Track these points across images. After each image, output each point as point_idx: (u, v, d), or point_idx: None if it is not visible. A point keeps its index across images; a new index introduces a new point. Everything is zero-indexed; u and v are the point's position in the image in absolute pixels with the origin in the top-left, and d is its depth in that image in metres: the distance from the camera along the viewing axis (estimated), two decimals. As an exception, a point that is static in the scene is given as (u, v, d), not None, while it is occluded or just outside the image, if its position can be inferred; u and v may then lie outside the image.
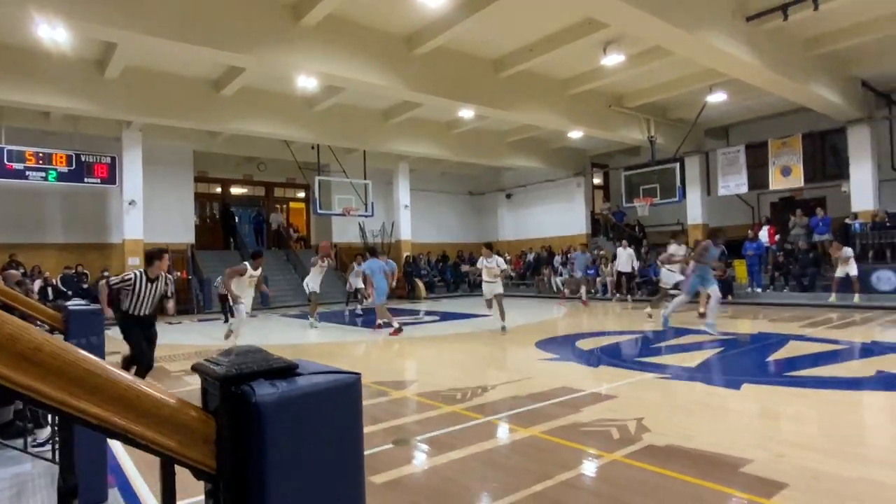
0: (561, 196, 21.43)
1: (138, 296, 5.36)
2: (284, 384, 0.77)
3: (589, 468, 3.34)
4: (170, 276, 5.79)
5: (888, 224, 13.00)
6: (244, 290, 8.17)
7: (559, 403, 4.79)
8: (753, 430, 4.02)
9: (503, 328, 9.50)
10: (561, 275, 18.07)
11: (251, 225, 20.87)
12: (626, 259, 15.49)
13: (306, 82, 10.89)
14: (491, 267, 9.47)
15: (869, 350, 6.79)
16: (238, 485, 0.74)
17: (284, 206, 22.10)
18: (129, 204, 14.49)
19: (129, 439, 0.70)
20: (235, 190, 20.92)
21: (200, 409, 0.77)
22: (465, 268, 13.39)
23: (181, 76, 12.07)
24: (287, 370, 0.80)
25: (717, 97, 13.41)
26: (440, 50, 10.61)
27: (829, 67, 12.00)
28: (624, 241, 16.00)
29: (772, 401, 4.88)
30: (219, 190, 20.35)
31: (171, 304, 6.21)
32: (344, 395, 0.82)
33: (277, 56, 9.09)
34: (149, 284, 5.40)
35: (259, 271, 8.43)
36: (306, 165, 17.74)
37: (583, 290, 15.21)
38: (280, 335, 10.51)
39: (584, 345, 8.09)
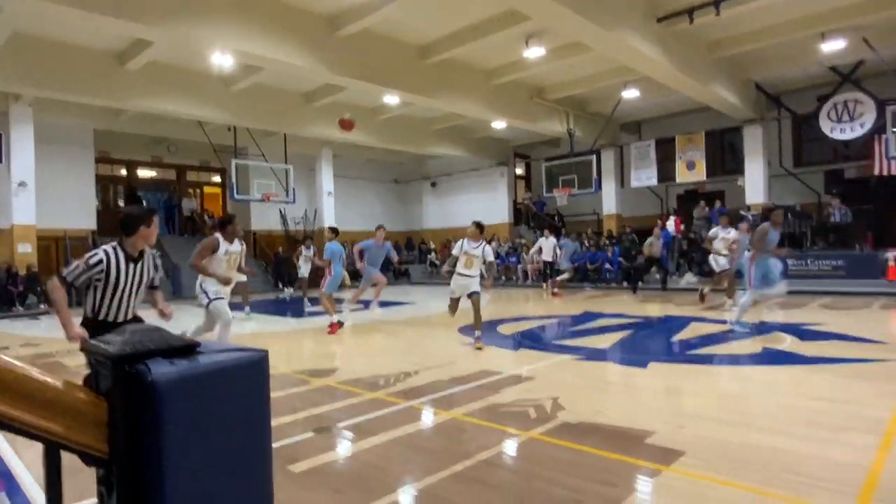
0: (485, 185, 21.81)
1: (115, 288, 3.29)
2: (185, 363, 0.73)
3: (508, 447, 3.45)
4: (155, 251, 3.89)
5: (776, 216, 14.30)
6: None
7: (480, 386, 4.91)
8: (658, 405, 4.33)
9: (478, 338, 6.85)
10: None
11: (162, 210, 19.61)
12: (549, 248, 16.01)
13: (222, 60, 10.30)
14: (475, 255, 6.81)
15: (758, 330, 7.46)
16: (133, 469, 0.70)
17: (198, 190, 20.96)
18: (19, 185, 13.21)
19: (6, 424, 0.65)
20: (143, 172, 19.56)
21: (90, 391, 0.72)
22: (445, 269, 7.68)
23: (79, 46, 11.05)
24: (187, 349, 0.76)
25: (630, 93, 14.12)
26: (365, 33, 10.41)
27: (728, 70, 12.97)
28: (546, 231, 16.55)
29: (674, 377, 5.27)
30: (124, 172, 18.95)
31: (159, 297, 3.78)
32: (250, 372, 0.79)
33: (188, 29, 8.53)
34: (131, 267, 3.34)
35: (239, 246, 5.77)
36: (222, 148, 16.88)
37: (564, 277, 14.29)
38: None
39: (506, 330, 8.32)
